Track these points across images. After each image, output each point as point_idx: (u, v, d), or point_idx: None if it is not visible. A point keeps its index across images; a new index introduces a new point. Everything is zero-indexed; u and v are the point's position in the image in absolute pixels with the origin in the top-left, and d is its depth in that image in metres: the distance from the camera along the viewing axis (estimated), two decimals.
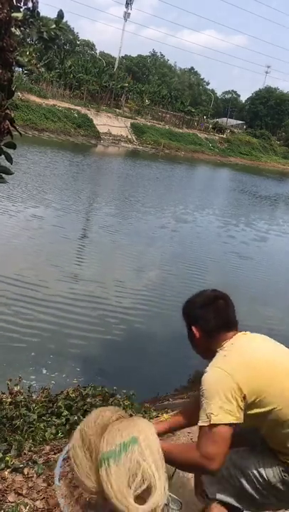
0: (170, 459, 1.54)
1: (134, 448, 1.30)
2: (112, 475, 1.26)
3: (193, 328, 1.81)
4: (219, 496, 1.77)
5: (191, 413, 1.89)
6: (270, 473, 1.71)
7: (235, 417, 1.56)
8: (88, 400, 3.18)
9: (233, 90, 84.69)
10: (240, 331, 1.81)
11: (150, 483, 1.26)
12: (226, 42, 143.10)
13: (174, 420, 1.99)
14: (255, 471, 1.74)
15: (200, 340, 1.80)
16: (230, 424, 1.54)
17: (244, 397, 1.58)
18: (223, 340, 1.75)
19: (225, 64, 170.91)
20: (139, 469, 1.26)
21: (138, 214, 14.50)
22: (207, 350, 1.80)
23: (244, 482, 1.75)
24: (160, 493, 1.26)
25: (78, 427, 1.37)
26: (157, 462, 1.33)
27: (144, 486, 1.25)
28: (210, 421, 1.54)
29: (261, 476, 1.73)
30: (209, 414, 1.55)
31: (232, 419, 1.55)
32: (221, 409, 1.54)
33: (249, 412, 1.60)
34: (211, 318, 1.77)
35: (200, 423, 1.58)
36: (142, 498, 1.24)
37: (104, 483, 1.25)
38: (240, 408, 1.57)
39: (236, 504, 1.78)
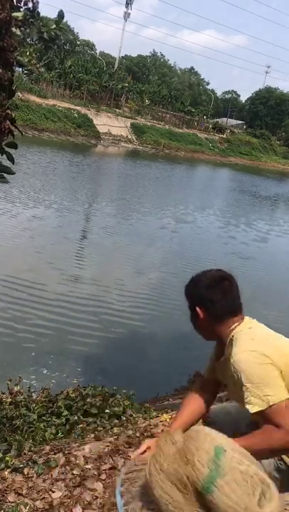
0: (252, 452, 1.45)
1: (225, 457, 1.24)
2: (231, 494, 1.19)
3: (198, 309, 1.74)
4: None
5: (203, 405, 1.85)
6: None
7: (287, 392, 1.54)
8: (88, 399, 3.18)
9: (233, 90, 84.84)
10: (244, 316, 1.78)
11: (262, 482, 1.22)
12: (226, 42, 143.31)
13: (188, 418, 1.86)
14: None
15: (204, 322, 1.75)
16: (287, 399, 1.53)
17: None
18: (231, 324, 1.72)
19: (225, 64, 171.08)
20: (245, 475, 1.21)
21: (138, 215, 14.50)
22: (211, 332, 1.76)
23: None
24: (274, 488, 1.22)
25: (149, 471, 1.25)
26: (251, 460, 1.28)
27: (259, 489, 1.20)
28: (269, 402, 1.51)
29: None
30: (265, 397, 1.52)
31: (287, 395, 1.53)
32: (275, 386, 1.53)
33: None
34: (217, 301, 1.72)
35: (255, 409, 1.53)
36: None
37: (229, 507, 1.18)
38: (286, 386, 1.56)
39: None
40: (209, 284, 1.76)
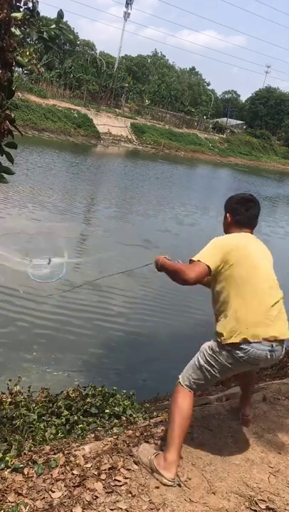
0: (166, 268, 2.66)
1: None
2: None
3: (227, 214, 2.56)
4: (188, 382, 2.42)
5: None
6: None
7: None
8: (88, 399, 3.18)
9: (233, 90, 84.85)
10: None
11: None
12: (226, 42, 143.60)
13: None
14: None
15: (228, 224, 2.56)
16: None
17: None
18: (243, 232, 2.50)
19: (225, 64, 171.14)
20: None
21: (138, 216, 14.49)
22: (229, 233, 2.54)
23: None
24: None
25: None
26: None
27: None
28: None
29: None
30: None
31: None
32: None
33: None
34: (240, 213, 2.50)
35: None
36: None
37: None
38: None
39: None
40: (239, 200, 2.56)
